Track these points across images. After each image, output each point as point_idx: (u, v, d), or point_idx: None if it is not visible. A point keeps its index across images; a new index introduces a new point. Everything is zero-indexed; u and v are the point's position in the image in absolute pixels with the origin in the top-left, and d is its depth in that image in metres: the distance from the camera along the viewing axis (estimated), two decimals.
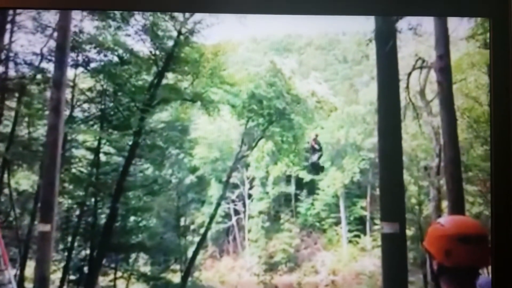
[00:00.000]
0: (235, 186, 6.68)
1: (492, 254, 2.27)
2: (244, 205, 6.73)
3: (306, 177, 6.47)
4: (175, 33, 5.47)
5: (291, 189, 6.69)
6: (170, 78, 5.63)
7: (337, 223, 6.56)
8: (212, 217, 6.13)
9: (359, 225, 6.54)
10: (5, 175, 5.20)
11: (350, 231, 6.49)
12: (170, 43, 5.50)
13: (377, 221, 6.12)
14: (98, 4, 2.47)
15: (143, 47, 5.40)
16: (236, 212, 6.78)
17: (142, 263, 5.75)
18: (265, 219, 6.68)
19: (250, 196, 6.76)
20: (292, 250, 6.41)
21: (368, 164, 6.48)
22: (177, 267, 5.80)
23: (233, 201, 6.74)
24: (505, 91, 2.39)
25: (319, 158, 6.15)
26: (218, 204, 6.27)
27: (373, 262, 5.92)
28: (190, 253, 5.92)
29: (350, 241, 6.41)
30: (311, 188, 6.53)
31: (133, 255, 5.66)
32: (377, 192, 5.89)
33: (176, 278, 5.69)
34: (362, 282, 5.96)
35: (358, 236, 6.46)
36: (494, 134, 2.37)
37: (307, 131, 6.17)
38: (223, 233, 6.63)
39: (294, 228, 6.54)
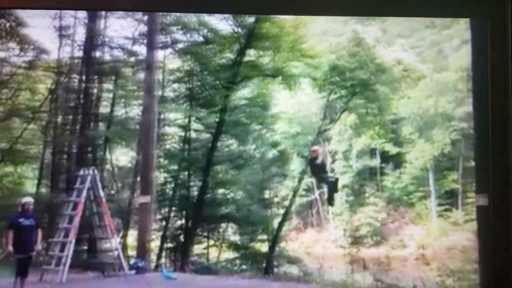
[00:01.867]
0: None
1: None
2: None
3: (392, 149, 6.27)
4: None
5: (376, 162, 6.53)
6: (251, 54, 5.72)
7: (426, 196, 6.30)
8: (295, 191, 6.22)
9: (450, 198, 6.23)
10: (107, 152, 5.72)
11: (440, 204, 6.22)
12: (251, 19, 5.56)
13: (470, 194, 5.79)
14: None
15: (226, 26, 5.53)
16: (319, 186, 6.79)
17: (231, 232, 6.04)
18: (349, 192, 6.62)
19: (332, 170, 6.72)
20: (377, 224, 6.31)
21: (460, 134, 6.10)
22: (264, 237, 6.00)
23: None
24: (503, 90, 2.44)
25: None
26: (301, 178, 6.33)
27: (467, 236, 5.63)
28: (275, 225, 6.08)
29: (440, 215, 6.15)
30: (398, 161, 6.32)
31: (223, 225, 5.96)
32: (471, 164, 5.55)
33: (263, 248, 5.90)
34: (454, 257, 5.72)
35: (449, 210, 6.17)
36: (493, 131, 2.43)
37: (393, 101, 5.95)
38: (307, 206, 6.70)
39: (380, 202, 6.42)
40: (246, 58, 5.65)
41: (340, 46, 5.96)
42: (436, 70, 6.11)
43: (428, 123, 6.16)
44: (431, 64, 6.14)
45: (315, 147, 5.81)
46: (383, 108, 5.95)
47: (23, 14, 5.04)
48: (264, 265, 5.74)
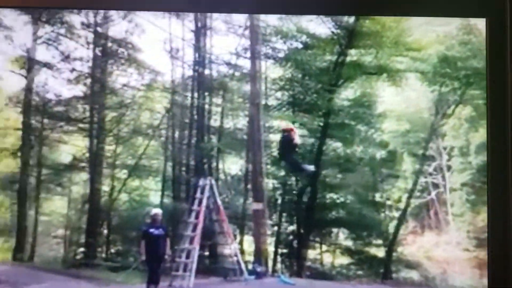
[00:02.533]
0: (431, 158, 6.29)
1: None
2: (443, 177, 6.29)
3: None
4: None
5: None
6: (353, 54, 5.62)
7: None
8: (410, 192, 5.93)
9: None
10: (220, 162, 6.03)
11: None
12: (351, 20, 5.47)
13: None
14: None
15: (324, 29, 5.51)
16: (435, 186, 6.38)
17: (344, 237, 5.95)
18: (470, 191, 6.11)
19: (449, 168, 6.27)
20: None
21: None
22: (379, 241, 5.81)
23: (430, 174, 6.36)
24: (503, 89, 2.38)
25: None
26: (415, 178, 6.02)
27: None
28: (390, 228, 5.85)
29: None
30: None
31: (335, 230, 5.90)
32: None
33: (379, 253, 5.71)
34: None
35: None
36: (491, 132, 2.38)
37: None
38: (423, 207, 6.33)
39: None
40: (348, 59, 5.57)
41: (449, 36, 5.57)
42: None
43: None
44: None
45: (290, 125, 5.24)
46: None
47: (138, 41, 5.58)
48: (381, 270, 5.55)
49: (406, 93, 5.96)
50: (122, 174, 5.75)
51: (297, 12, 3.18)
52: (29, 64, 5.31)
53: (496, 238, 2.37)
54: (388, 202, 6.11)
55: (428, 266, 5.73)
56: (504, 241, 2.35)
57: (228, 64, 5.81)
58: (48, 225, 5.51)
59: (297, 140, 5.10)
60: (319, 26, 5.48)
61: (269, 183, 5.95)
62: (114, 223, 5.72)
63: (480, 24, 5.59)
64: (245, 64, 5.74)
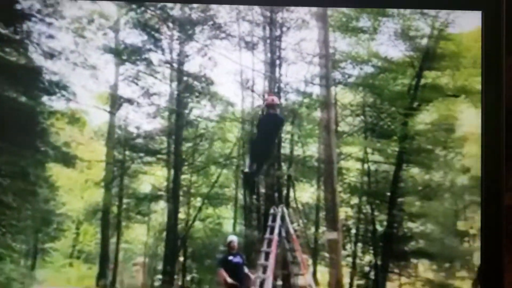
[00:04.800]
0: None
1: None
2: None
3: None
4: (428, 30, 5.26)
5: None
6: (428, 77, 5.42)
7: None
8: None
9: None
10: (291, 190, 5.99)
11: None
12: (424, 41, 5.30)
13: None
14: None
15: (397, 52, 5.39)
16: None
17: (424, 269, 5.60)
18: None
19: None
20: None
21: None
22: (464, 274, 5.40)
23: None
24: (497, 82, 2.44)
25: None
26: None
27: None
28: (475, 259, 5.42)
29: None
30: None
31: (414, 261, 5.58)
32: None
33: (464, 285, 5.30)
34: None
35: None
36: (486, 122, 2.49)
37: None
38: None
39: None
40: (423, 81, 5.37)
41: None
42: None
43: None
44: None
45: (276, 99, 4.24)
46: None
47: (211, 74, 5.78)
48: None
49: None
50: (197, 202, 5.90)
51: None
52: (112, 99, 5.69)
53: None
54: (472, 231, 5.70)
55: None
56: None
57: (298, 91, 5.84)
58: (128, 253, 5.76)
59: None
60: (391, 48, 5.37)
61: (342, 211, 5.80)
62: (190, 250, 5.85)
63: None
64: (315, 90, 5.73)
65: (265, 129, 4.38)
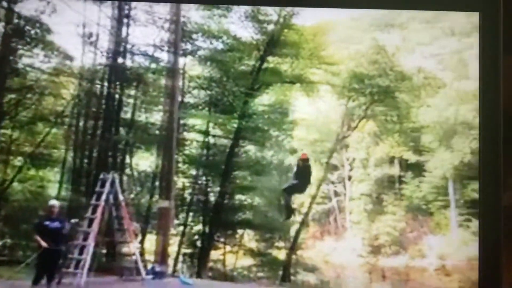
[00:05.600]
0: (335, 168, 6.65)
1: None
2: (344, 186, 6.69)
3: (412, 158, 6.21)
4: (275, 17, 5.57)
5: (395, 170, 6.47)
6: (271, 61, 5.75)
7: (446, 206, 6.21)
8: (313, 198, 6.20)
9: (471, 208, 6.12)
10: (127, 157, 5.79)
11: (460, 214, 6.12)
12: (271, 27, 5.61)
13: None
14: None
15: (246, 33, 5.58)
16: (336, 194, 6.75)
17: (248, 239, 6.03)
18: (368, 201, 6.56)
19: (350, 177, 6.68)
20: (396, 233, 6.23)
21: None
22: (281, 244, 5.98)
23: (333, 182, 6.72)
24: (495, 83, 2.43)
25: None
26: (319, 185, 6.31)
27: None
28: (293, 232, 6.05)
29: (460, 225, 6.05)
30: (417, 169, 6.25)
31: (240, 231, 5.96)
32: None
33: (281, 255, 5.88)
34: (475, 268, 5.61)
35: (469, 220, 6.06)
36: (483, 123, 2.44)
37: (413, 109, 5.90)
38: (324, 214, 6.66)
39: (399, 211, 6.34)
40: (266, 65, 5.69)
41: (360, 54, 5.95)
42: (457, 79, 6.05)
43: (448, 131, 6.09)
44: (451, 72, 6.09)
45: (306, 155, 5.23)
46: (403, 116, 5.91)
47: (49, 21, 5.18)
48: (281, 272, 5.71)
49: (317, 103, 6.25)
50: (17, 161, 5.27)
51: None
52: None
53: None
54: (293, 206, 6.32)
55: (325, 270, 6.02)
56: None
57: (145, 55, 5.62)
58: None
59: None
60: (241, 29, 5.54)
61: (179, 181, 5.85)
62: (3, 214, 5.21)
63: (388, 45, 6.10)
64: (164, 57, 5.60)
65: (302, 176, 5.12)
